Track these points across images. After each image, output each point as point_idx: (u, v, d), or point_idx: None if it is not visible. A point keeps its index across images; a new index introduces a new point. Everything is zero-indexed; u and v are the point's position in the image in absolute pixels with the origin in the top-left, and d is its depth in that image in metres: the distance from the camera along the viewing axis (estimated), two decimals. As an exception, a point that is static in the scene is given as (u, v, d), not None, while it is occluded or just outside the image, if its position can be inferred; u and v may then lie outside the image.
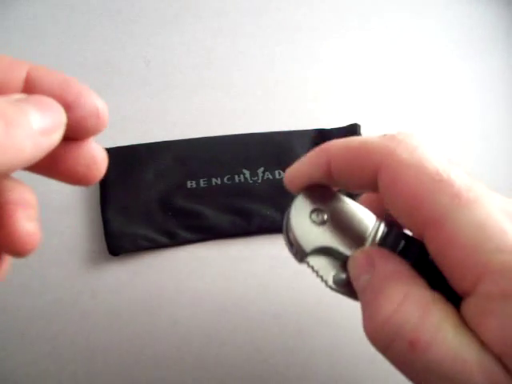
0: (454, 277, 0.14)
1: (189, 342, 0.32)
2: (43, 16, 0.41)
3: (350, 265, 0.17)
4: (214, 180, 0.35)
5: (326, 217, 0.18)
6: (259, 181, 0.36)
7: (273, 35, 0.42)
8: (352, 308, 0.33)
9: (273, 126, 0.38)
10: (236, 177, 0.36)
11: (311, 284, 0.34)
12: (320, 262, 0.18)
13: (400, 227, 0.17)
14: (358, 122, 0.38)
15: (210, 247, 0.34)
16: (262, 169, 0.36)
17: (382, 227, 0.18)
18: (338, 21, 0.44)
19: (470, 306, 0.14)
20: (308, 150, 0.36)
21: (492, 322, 0.13)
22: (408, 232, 0.17)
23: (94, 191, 0.35)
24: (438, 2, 0.46)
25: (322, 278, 0.18)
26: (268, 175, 0.36)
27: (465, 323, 0.14)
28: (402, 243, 0.17)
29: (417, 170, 0.15)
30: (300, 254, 0.18)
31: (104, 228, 0.33)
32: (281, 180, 0.36)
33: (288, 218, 0.19)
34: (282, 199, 0.35)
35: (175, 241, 0.34)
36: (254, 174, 0.36)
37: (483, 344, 0.13)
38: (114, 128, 0.37)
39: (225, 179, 0.35)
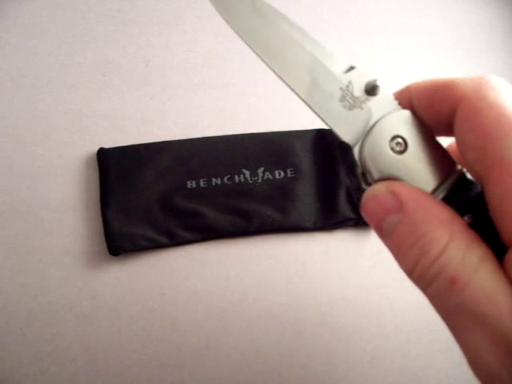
0: (505, 225, 0.14)
1: (188, 342, 0.32)
2: (43, 16, 0.41)
3: (369, 202, 0.17)
4: (213, 180, 0.35)
5: (405, 147, 0.17)
6: (259, 181, 0.36)
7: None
8: (351, 308, 0.33)
9: (273, 126, 0.38)
10: (236, 177, 0.36)
11: (311, 284, 0.34)
12: None
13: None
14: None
15: (210, 247, 0.34)
16: (262, 169, 0.36)
17: (459, 176, 0.17)
18: (338, 20, 0.44)
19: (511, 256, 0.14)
20: (308, 150, 0.37)
21: None
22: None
23: (94, 191, 0.35)
24: (438, 1, 0.46)
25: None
26: (268, 175, 0.36)
27: (502, 270, 0.14)
28: (471, 195, 0.16)
29: (498, 111, 0.15)
30: (368, 177, 0.18)
31: (104, 228, 0.33)
32: (281, 180, 0.36)
33: (365, 139, 0.18)
34: (281, 199, 0.35)
35: (175, 241, 0.34)
36: (254, 173, 0.36)
37: None
38: (114, 128, 0.37)
39: (225, 179, 0.35)
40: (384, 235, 0.17)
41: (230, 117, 0.39)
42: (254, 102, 0.39)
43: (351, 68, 0.19)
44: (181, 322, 0.32)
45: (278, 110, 0.39)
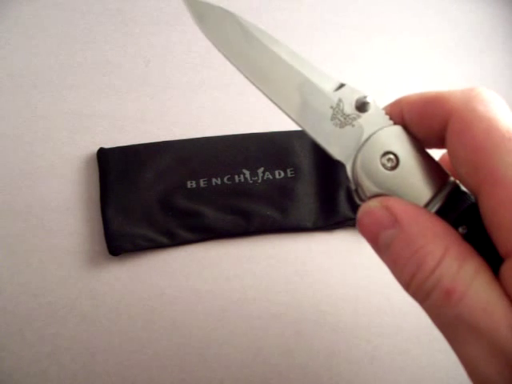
0: (500, 237, 0.14)
1: (189, 342, 0.32)
2: (43, 16, 0.41)
3: (364, 218, 0.17)
4: (213, 180, 0.35)
5: (397, 163, 0.17)
6: (259, 181, 0.36)
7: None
8: (352, 308, 0.33)
9: (273, 126, 0.38)
10: (236, 177, 0.36)
11: (311, 284, 0.34)
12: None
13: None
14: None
15: (210, 247, 0.34)
16: (262, 169, 0.36)
17: (453, 188, 0.17)
18: (338, 20, 0.44)
19: (508, 267, 0.14)
20: (308, 150, 0.37)
21: None
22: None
23: (94, 191, 0.35)
24: (438, 1, 0.46)
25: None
26: (268, 175, 0.36)
27: (497, 281, 0.14)
28: (465, 206, 0.16)
29: (489, 123, 0.15)
30: (362, 194, 0.18)
31: (104, 228, 0.33)
32: (281, 180, 0.36)
33: (357, 156, 0.18)
34: (281, 199, 0.35)
35: (175, 241, 0.34)
36: (254, 173, 0.36)
37: None
38: (114, 128, 0.37)
39: (225, 179, 0.35)
40: (380, 250, 0.17)
41: (230, 117, 0.39)
42: (254, 102, 0.39)
43: (341, 85, 0.19)
44: (181, 322, 0.32)
45: (278, 110, 0.39)
